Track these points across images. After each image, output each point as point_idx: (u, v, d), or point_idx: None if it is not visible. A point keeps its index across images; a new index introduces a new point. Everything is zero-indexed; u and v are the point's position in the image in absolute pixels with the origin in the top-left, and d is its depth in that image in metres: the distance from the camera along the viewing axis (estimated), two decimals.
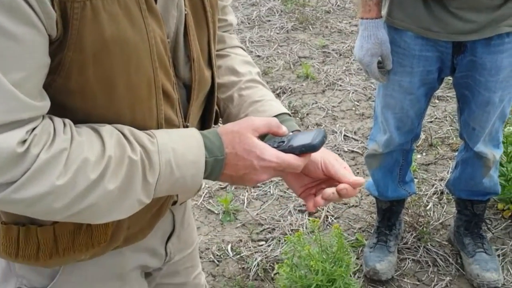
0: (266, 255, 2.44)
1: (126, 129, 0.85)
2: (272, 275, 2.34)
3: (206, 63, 1.01)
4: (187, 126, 0.98)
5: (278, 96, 3.69)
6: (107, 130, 0.83)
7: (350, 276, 2.25)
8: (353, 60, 4.11)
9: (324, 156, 1.01)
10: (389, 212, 2.38)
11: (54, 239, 0.93)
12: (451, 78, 2.06)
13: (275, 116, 1.06)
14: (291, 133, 0.97)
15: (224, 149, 0.88)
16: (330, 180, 1.02)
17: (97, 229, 0.94)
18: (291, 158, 0.91)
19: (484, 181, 2.17)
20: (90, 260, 1.00)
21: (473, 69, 1.84)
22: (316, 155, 0.99)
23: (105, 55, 0.80)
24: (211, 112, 1.08)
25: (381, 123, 2.13)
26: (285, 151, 0.91)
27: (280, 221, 2.63)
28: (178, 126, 0.95)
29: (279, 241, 2.51)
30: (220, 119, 1.15)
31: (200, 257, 2.49)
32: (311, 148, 0.91)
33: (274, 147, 0.92)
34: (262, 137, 0.96)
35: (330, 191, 0.96)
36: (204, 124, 1.09)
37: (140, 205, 0.85)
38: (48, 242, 0.93)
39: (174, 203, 1.07)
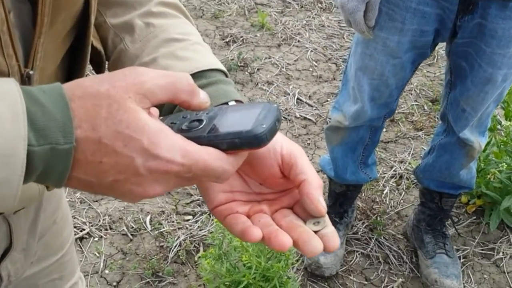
0: (191, 233, 2.02)
1: None
2: (196, 258, 1.93)
3: None
4: (28, 77, 0.52)
5: (227, 44, 3.21)
6: None
7: (289, 270, 1.87)
8: (315, 14, 3.67)
9: (288, 145, 0.57)
10: (342, 197, 2.00)
11: None
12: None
13: (200, 72, 0.61)
14: (216, 108, 0.52)
15: (74, 129, 0.42)
16: (284, 190, 0.59)
17: None
18: (210, 155, 0.46)
19: (461, 173, 1.82)
20: None
21: (479, 35, 1.44)
22: (275, 139, 0.55)
23: None
24: (84, 52, 0.61)
25: (352, 89, 1.71)
26: (200, 141, 0.47)
27: None
28: (7, 74, 0.49)
29: (210, 217, 2.09)
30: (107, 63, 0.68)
31: (111, 228, 2.04)
32: (251, 140, 0.47)
33: (181, 131, 0.47)
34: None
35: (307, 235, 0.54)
36: (72, 73, 0.62)
37: None
38: None
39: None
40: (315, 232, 0.56)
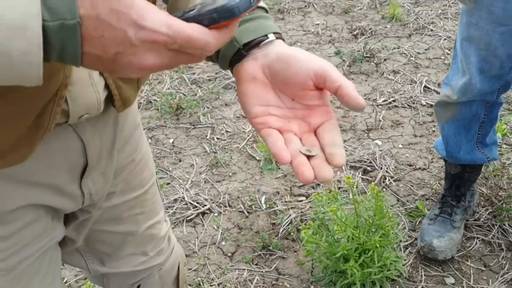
0: (303, 212, 2.08)
1: None
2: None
3: None
4: None
5: (355, 37, 3.22)
6: None
7: (396, 249, 1.85)
8: (452, 2, 3.51)
9: (318, 61, 0.68)
10: (459, 179, 1.91)
11: None
12: None
13: None
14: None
15: (77, 8, 0.51)
16: (313, 107, 0.69)
17: None
18: (192, 28, 0.54)
19: None
20: None
21: None
22: (307, 58, 0.67)
23: None
24: None
25: (460, 62, 1.65)
26: (187, 20, 0.55)
27: None
28: None
29: (323, 199, 2.13)
30: None
31: (230, 206, 2.18)
32: (225, 12, 0.54)
33: (176, 16, 0.55)
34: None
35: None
36: None
37: None
38: None
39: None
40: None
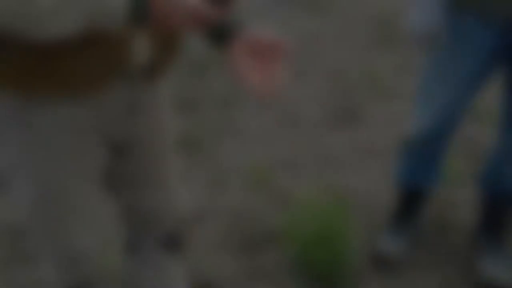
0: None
1: None
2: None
3: None
4: None
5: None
6: None
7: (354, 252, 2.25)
8: None
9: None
10: (408, 202, 2.33)
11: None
12: None
13: None
14: None
15: None
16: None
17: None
18: (200, 4, 1.00)
19: None
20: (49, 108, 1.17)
21: None
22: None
23: None
24: None
25: (419, 106, 2.08)
26: None
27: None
28: None
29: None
30: None
31: (226, 215, 2.61)
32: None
33: None
34: None
35: None
36: None
37: None
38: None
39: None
40: None
